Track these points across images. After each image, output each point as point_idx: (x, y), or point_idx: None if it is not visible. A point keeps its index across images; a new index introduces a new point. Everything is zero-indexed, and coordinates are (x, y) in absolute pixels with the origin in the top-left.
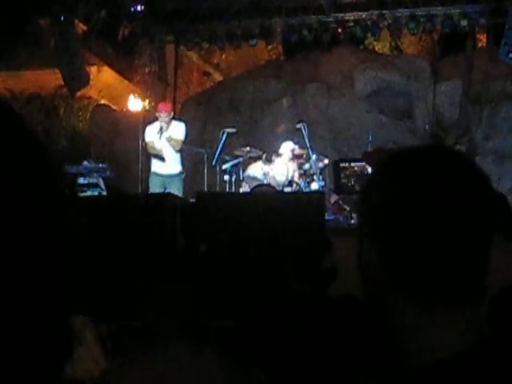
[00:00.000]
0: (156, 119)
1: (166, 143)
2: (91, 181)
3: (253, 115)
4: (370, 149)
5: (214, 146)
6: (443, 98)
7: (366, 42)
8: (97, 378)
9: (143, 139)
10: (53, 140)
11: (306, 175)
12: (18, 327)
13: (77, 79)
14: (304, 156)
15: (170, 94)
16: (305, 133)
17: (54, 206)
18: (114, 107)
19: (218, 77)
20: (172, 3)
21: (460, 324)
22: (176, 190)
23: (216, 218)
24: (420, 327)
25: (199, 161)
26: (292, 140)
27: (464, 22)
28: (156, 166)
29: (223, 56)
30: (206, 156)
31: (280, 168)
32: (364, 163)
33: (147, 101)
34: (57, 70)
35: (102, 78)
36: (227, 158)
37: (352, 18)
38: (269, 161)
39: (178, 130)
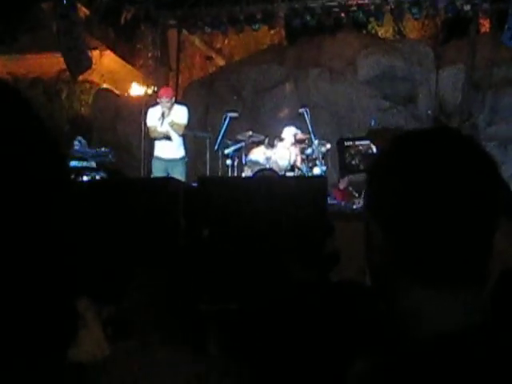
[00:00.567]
0: (158, 103)
1: (168, 128)
2: (85, 165)
3: (255, 100)
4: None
5: (217, 130)
6: (446, 83)
7: (369, 26)
8: (98, 362)
9: (145, 123)
10: (55, 124)
11: (309, 160)
12: (23, 307)
13: (79, 63)
14: (306, 141)
15: (172, 78)
16: (307, 117)
17: (57, 186)
18: (116, 91)
19: (220, 61)
20: None
21: (463, 304)
22: (179, 174)
23: (218, 202)
24: (424, 307)
25: (201, 145)
26: (294, 125)
27: (467, 7)
28: (159, 150)
29: (226, 41)
30: (208, 141)
31: (282, 153)
32: (368, 142)
33: (149, 85)
34: (59, 54)
35: (104, 62)
36: (229, 142)
37: (355, 2)
38: (271, 145)
39: (180, 114)
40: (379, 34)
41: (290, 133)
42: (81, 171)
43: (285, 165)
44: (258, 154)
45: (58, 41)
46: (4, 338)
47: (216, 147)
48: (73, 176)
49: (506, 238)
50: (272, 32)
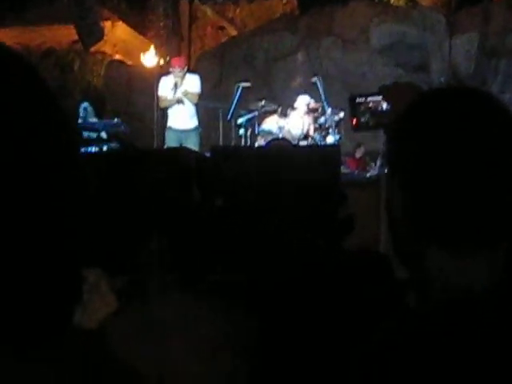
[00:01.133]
0: (170, 73)
1: (182, 98)
2: (96, 136)
3: (267, 69)
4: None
5: (229, 100)
6: (459, 51)
7: None
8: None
9: (158, 94)
10: (68, 95)
11: (322, 129)
12: (27, 271)
13: (91, 34)
14: (319, 110)
15: (184, 48)
16: (320, 86)
17: (65, 155)
18: (128, 62)
19: (232, 31)
20: None
21: (482, 265)
22: (192, 144)
23: (231, 172)
24: (443, 268)
25: (214, 115)
26: (307, 94)
27: None
28: (172, 120)
29: (237, 10)
30: (220, 111)
31: (295, 122)
32: (380, 98)
33: (161, 56)
34: (71, 26)
35: (116, 33)
36: (242, 112)
37: None
38: (284, 115)
39: (193, 83)
40: (391, 1)
41: (303, 102)
42: (93, 142)
43: (298, 134)
44: (271, 124)
45: (70, 12)
46: (7, 297)
47: (229, 117)
48: (85, 147)
49: None
50: (284, 1)
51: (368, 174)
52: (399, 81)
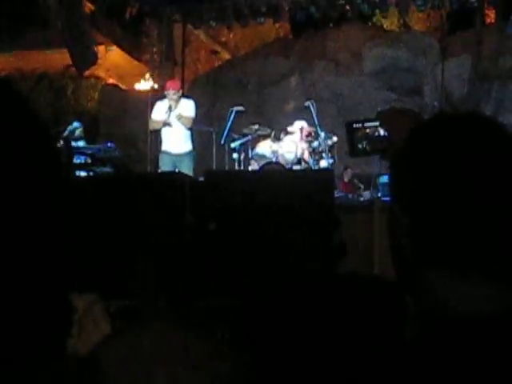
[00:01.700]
0: (165, 97)
1: (176, 122)
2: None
3: (261, 93)
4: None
5: (223, 124)
6: (452, 75)
7: (374, 18)
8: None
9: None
10: (62, 119)
11: (315, 153)
12: (17, 301)
13: (85, 59)
14: (313, 134)
15: (178, 72)
16: (313, 110)
17: (54, 181)
18: (122, 86)
19: (225, 55)
20: None
21: (491, 292)
22: (186, 168)
23: (225, 196)
24: (450, 295)
25: (208, 140)
26: (300, 118)
27: None
28: (166, 144)
29: (231, 34)
30: (214, 135)
31: (289, 146)
32: (376, 123)
33: (155, 80)
34: (65, 50)
35: (110, 57)
36: (236, 136)
37: None
38: (277, 139)
39: (187, 107)
40: (384, 26)
41: (297, 126)
42: (85, 166)
43: (291, 158)
44: (265, 148)
45: (64, 36)
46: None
47: (222, 141)
48: (76, 171)
49: None
50: (277, 25)
51: (361, 198)
52: (395, 106)
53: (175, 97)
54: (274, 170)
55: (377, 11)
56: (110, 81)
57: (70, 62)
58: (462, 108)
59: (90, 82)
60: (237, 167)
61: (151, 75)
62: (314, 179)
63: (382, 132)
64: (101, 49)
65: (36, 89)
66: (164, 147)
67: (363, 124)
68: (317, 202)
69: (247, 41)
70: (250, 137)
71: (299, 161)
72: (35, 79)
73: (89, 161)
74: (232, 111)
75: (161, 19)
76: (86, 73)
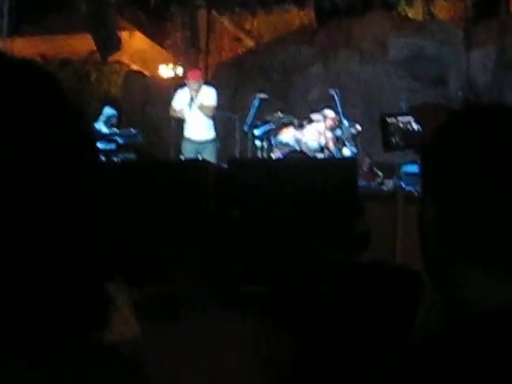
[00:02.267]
0: (186, 85)
1: (198, 111)
2: (113, 147)
3: (285, 81)
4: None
5: (246, 111)
6: (476, 64)
7: (399, 7)
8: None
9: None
10: (84, 105)
11: (338, 141)
12: (53, 294)
13: (109, 44)
14: (336, 122)
15: (201, 59)
16: (337, 99)
17: (86, 169)
18: (145, 72)
19: (249, 43)
20: None
21: None
22: (209, 156)
23: (249, 184)
24: (476, 287)
25: (231, 127)
26: (325, 106)
27: None
28: (189, 132)
29: (255, 22)
30: (237, 122)
31: (312, 134)
32: (409, 118)
33: (179, 66)
34: (89, 35)
35: (134, 43)
36: (259, 123)
37: None
38: (301, 127)
39: (208, 96)
40: (409, 14)
41: (321, 114)
42: (109, 152)
43: (314, 146)
44: (288, 136)
45: (88, 22)
46: (36, 320)
47: (246, 128)
48: (101, 157)
49: None
50: (301, 13)
51: (385, 188)
52: (427, 100)
53: (196, 87)
54: (297, 158)
55: (402, 0)
56: (134, 67)
57: (94, 48)
58: (487, 97)
59: (113, 68)
60: (260, 155)
61: (175, 62)
62: (338, 167)
63: (415, 126)
64: (124, 34)
65: (59, 74)
66: (187, 134)
67: (396, 118)
68: (340, 191)
69: (271, 28)
70: (273, 124)
71: (322, 149)
72: (58, 64)
73: (113, 147)
74: (256, 98)
75: (185, 5)
76: (110, 59)
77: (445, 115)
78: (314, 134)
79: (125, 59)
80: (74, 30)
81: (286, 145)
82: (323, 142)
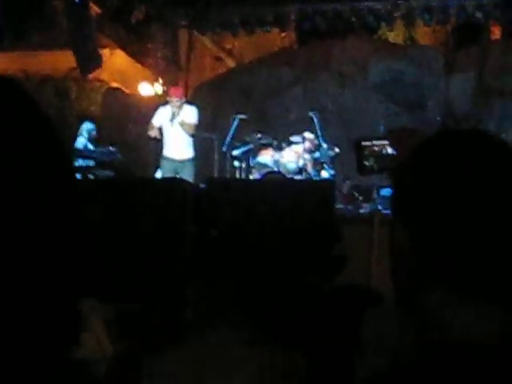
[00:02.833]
0: (167, 103)
1: (178, 128)
2: (85, 164)
3: (264, 102)
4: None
5: (225, 131)
6: (456, 90)
7: (380, 31)
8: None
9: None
10: (64, 122)
11: (317, 164)
12: (26, 312)
13: (89, 61)
14: (315, 144)
15: (182, 78)
16: (316, 121)
17: (61, 186)
18: (125, 91)
19: (230, 63)
20: None
21: (486, 316)
22: (188, 175)
23: (226, 204)
24: (444, 313)
25: (209, 146)
26: (304, 129)
27: (478, 14)
28: (168, 150)
29: (236, 42)
30: (216, 142)
31: (290, 156)
32: (384, 142)
33: (159, 85)
34: (70, 52)
35: (115, 60)
36: (238, 144)
37: (366, 6)
38: (280, 148)
39: (190, 114)
40: (390, 39)
41: (300, 136)
42: (87, 170)
43: (293, 168)
44: (266, 157)
45: (69, 38)
46: (8, 338)
47: (224, 149)
48: (79, 174)
49: None
50: (283, 34)
51: (361, 210)
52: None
53: (178, 104)
54: (275, 180)
55: (383, 24)
56: (114, 84)
57: (75, 65)
58: (466, 123)
59: (93, 85)
60: (238, 175)
61: (155, 80)
62: (315, 189)
63: (390, 150)
64: (105, 52)
65: (39, 90)
66: (165, 153)
67: (372, 142)
68: (317, 213)
69: (252, 49)
70: (252, 145)
71: (300, 171)
72: (39, 80)
73: (91, 164)
74: (235, 119)
75: (166, 24)
76: (90, 76)
77: (420, 140)
78: (293, 156)
79: (105, 77)
80: (56, 47)
81: (265, 166)
82: (301, 163)
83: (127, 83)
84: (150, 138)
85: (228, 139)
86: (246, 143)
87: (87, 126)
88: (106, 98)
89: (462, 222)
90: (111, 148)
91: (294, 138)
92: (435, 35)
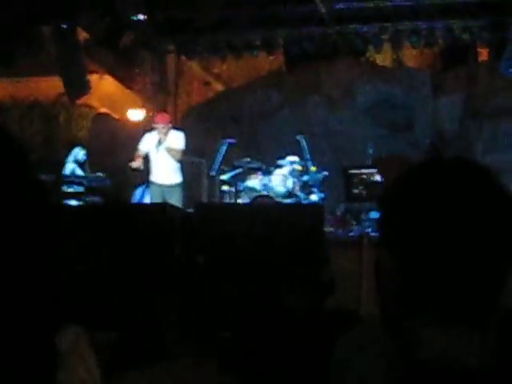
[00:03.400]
0: (154, 128)
1: (165, 154)
2: (75, 190)
3: (253, 126)
4: (369, 161)
5: (214, 156)
6: (444, 112)
7: (367, 54)
8: None
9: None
10: (52, 148)
11: (305, 187)
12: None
13: (78, 87)
14: (303, 168)
15: (170, 103)
16: (305, 145)
17: (35, 213)
18: (114, 116)
19: (218, 87)
20: (173, 13)
21: (469, 343)
22: (175, 200)
23: (215, 228)
24: (427, 340)
25: (198, 171)
26: (292, 152)
27: (466, 36)
28: (155, 175)
29: (224, 66)
30: (205, 166)
31: (279, 179)
32: (372, 170)
33: (148, 110)
34: (58, 78)
35: (103, 86)
36: (226, 168)
37: (353, 30)
38: (268, 172)
39: (176, 139)
40: (377, 61)
41: (288, 160)
42: (76, 195)
43: (281, 192)
44: (255, 181)
45: (57, 64)
46: None
47: (213, 173)
48: (67, 200)
49: None
50: (271, 58)
51: (351, 233)
52: (393, 155)
53: (164, 130)
54: (264, 204)
55: (370, 47)
56: (103, 110)
57: (63, 90)
58: (454, 145)
59: (82, 111)
60: (226, 199)
61: (144, 105)
62: (305, 213)
63: (378, 178)
64: (94, 78)
65: (28, 116)
66: (153, 178)
67: (359, 169)
68: (306, 237)
69: (240, 73)
70: (240, 169)
71: (289, 194)
72: (27, 106)
73: (80, 190)
74: (224, 143)
75: (154, 49)
76: (79, 101)
77: (406, 167)
78: (281, 180)
79: (94, 102)
80: (44, 73)
81: (253, 190)
82: (290, 187)
83: (116, 108)
84: (131, 168)
85: (216, 163)
86: (234, 167)
87: (76, 152)
88: (95, 123)
89: (444, 249)
90: (99, 174)
91: (282, 162)
92: (423, 57)
